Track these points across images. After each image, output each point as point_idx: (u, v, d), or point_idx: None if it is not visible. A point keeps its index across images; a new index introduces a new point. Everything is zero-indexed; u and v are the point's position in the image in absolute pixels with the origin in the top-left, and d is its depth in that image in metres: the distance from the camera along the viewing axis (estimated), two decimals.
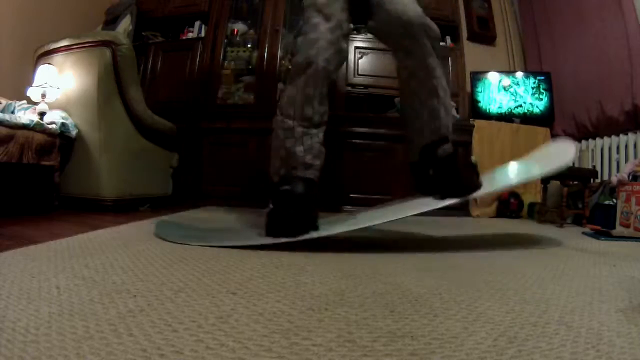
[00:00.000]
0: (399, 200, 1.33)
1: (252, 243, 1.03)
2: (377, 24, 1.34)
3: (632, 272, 0.92)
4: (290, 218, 1.08)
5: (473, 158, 1.25)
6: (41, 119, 1.82)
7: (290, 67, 1.30)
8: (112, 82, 1.91)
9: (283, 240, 1.03)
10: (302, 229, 1.06)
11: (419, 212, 1.08)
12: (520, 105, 3.06)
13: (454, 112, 1.35)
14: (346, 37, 1.31)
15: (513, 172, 1.33)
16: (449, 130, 1.26)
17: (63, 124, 1.87)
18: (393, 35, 1.29)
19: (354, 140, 2.70)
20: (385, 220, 1.04)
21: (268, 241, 1.04)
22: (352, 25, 1.35)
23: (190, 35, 3.06)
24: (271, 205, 1.11)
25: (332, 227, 1.08)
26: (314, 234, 1.04)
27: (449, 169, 1.19)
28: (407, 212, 1.09)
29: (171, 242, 1.09)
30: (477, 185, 1.19)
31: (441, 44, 3.13)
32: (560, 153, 1.28)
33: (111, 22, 3.03)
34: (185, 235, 1.18)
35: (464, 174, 1.18)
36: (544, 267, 0.95)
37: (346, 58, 1.36)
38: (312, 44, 1.19)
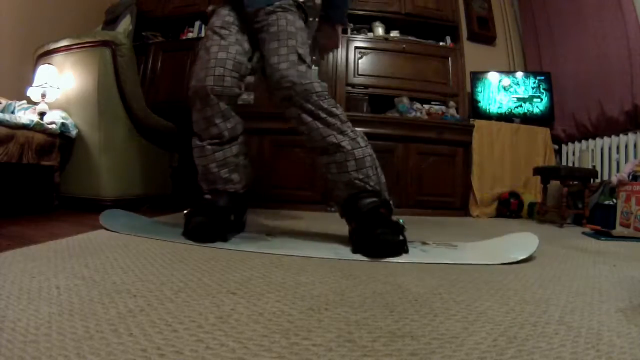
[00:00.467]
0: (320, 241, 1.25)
1: (167, 239, 1.11)
2: (267, 86, 1.25)
3: (632, 272, 0.92)
4: (201, 226, 1.12)
5: (401, 220, 1.05)
6: (41, 119, 1.82)
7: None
8: (112, 82, 1.91)
9: (191, 243, 1.08)
10: (209, 237, 1.10)
11: (329, 257, 0.98)
12: (520, 105, 3.06)
13: (376, 165, 1.19)
14: (247, 54, 1.28)
15: (464, 254, 1.11)
16: (369, 182, 1.14)
17: (63, 124, 1.87)
18: (276, 97, 1.21)
19: None
20: (293, 254, 0.99)
21: (180, 240, 1.11)
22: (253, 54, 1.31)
23: (190, 35, 3.06)
24: (190, 209, 1.18)
25: (243, 243, 1.11)
26: (219, 245, 1.08)
27: (368, 225, 1.05)
28: (319, 253, 1.01)
29: (114, 231, 1.19)
30: (395, 251, 1.01)
31: (441, 43, 3.14)
32: (523, 244, 1.09)
33: (111, 22, 3.02)
34: (123, 225, 1.26)
35: (380, 234, 1.01)
36: (543, 267, 0.95)
37: (250, 71, 1.30)
38: (203, 66, 1.21)
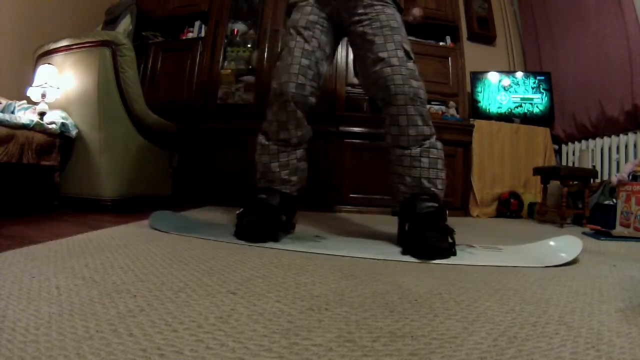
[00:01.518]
0: (371, 241, 1.27)
1: (219, 239, 1.13)
2: (364, 81, 1.29)
3: (632, 272, 0.93)
4: (253, 225, 1.13)
5: (450, 225, 1.08)
6: (41, 119, 1.82)
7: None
8: (112, 82, 1.91)
9: (242, 243, 1.10)
10: (261, 237, 1.11)
11: (378, 258, 1.00)
12: (520, 105, 3.06)
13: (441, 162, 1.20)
14: (329, 59, 1.31)
15: (511, 257, 1.11)
16: (436, 185, 1.16)
17: (63, 124, 1.87)
18: (378, 98, 1.24)
19: (354, 140, 2.70)
20: (345, 254, 1.01)
21: (231, 240, 1.13)
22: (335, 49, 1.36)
23: (190, 35, 3.06)
24: (242, 209, 1.19)
25: (292, 243, 1.12)
26: (270, 245, 1.09)
27: (419, 228, 1.06)
28: (369, 254, 1.03)
29: (164, 232, 1.21)
30: (444, 254, 1.02)
31: (441, 43, 3.15)
32: (566, 247, 1.10)
33: (111, 22, 3.03)
34: (174, 226, 1.28)
35: (430, 238, 1.03)
36: (544, 267, 0.95)
37: (325, 79, 1.34)
38: (286, 70, 1.22)
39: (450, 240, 1.06)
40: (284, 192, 1.24)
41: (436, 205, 1.13)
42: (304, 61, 1.22)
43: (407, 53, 1.21)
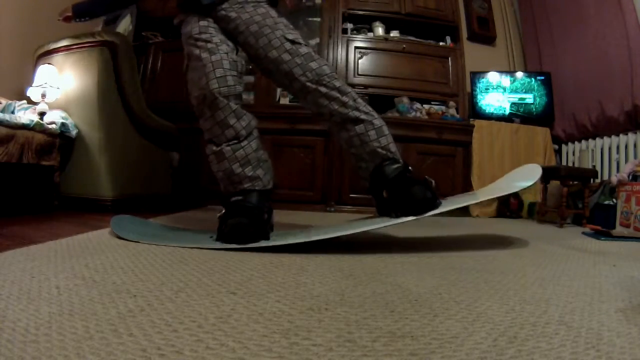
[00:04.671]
0: (359, 218, 1.31)
1: (201, 246, 1.03)
2: (275, 81, 1.31)
3: (632, 272, 0.92)
4: (241, 227, 1.06)
5: (427, 177, 1.14)
6: (41, 119, 1.83)
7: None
8: (112, 82, 1.91)
9: (233, 246, 1.03)
10: (252, 237, 1.06)
11: (376, 227, 1.03)
12: (521, 105, 3.06)
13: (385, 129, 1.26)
14: (236, 49, 1.28)
15: (481, 193, 1.28)
16: (390, 149, 1.21)
17: (63, 124, 1.87)
18: (292, 89, 1.26)
19: None
20: (337, 234, 1.00)
21: (217, 246, 1.04)
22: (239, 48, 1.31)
23: None
24: (223, 210, 1.10)
25: (284, 238, 1.08)
26: (263, 243, 1.04)
27: (401, 189, 1.11)
28: (363, 227, 1.03)
29: (125, 239, 1.08)
30: (433, 204, 1.10)
31: (441, 43, 3.13)
32: (527, 174, 1.26)
33: (111, 22, 3.03)
34: (139, 233, 1.16)
35: (417, 192, 1.10)
36: (544, 267, 0.95)
37: (246, 64, 1.29)
38: (202, 74, 1.18)
39: (431, 192, 1.12)
40: (258, 189, 1.18)
41: (400, 164, 1.18)
42: (214, 57, 1.18)
43: (293, 42, 1.21)
